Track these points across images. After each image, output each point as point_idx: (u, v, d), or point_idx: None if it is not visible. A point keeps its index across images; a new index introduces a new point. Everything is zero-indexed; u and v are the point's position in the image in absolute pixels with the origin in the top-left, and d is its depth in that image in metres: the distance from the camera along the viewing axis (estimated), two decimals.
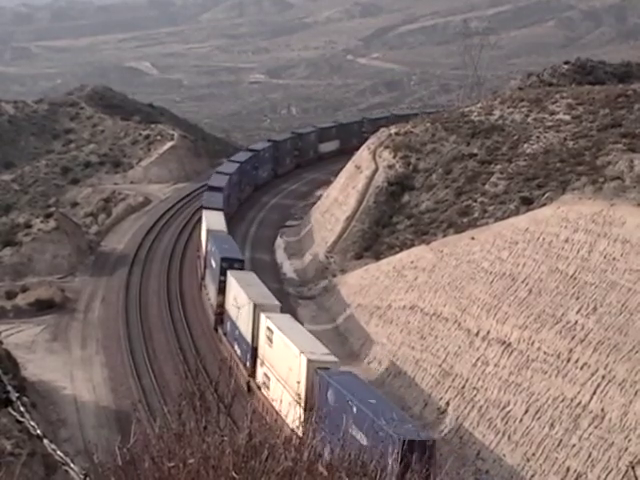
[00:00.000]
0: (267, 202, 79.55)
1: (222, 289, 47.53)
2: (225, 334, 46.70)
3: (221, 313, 47.96)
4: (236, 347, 43.72)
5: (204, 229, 57.21)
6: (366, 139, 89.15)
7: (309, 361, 34.07)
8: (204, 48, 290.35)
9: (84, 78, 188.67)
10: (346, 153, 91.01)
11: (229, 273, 46.75)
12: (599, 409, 30.62)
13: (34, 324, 53.01)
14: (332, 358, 35.22)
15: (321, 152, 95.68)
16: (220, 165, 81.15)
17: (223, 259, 48.07)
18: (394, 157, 62.90)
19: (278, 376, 36.92)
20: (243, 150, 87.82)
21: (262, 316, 39.98)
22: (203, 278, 55.23)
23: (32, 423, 36.19)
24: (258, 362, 40.31)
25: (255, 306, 41.10)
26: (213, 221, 57.01)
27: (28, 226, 65.61)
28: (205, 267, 54.76)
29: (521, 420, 33.39)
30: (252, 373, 40.77)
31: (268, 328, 38.89)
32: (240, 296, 43.42)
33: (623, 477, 28.15)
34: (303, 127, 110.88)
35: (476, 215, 52.26)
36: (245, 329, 42.00)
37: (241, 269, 48.22)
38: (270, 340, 38.52)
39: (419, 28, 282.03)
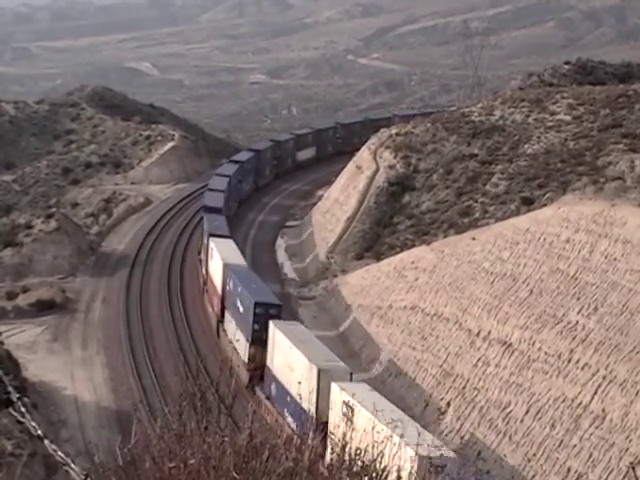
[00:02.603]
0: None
1: (257, 340, 40.57)
2: (268, 398, 39.06)
3: (257, 369, 40.53)
4: (289, 418, 35.83)
5: (218, 262, 48.82)
6: (340, 145, 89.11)
7: (420, 457, 24.64)
8: (204, 48, 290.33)
9: (84, 78, 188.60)
10: (322, 160, 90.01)
11: (272, 325, 39.38)
12: (600, 409, 30.60)
13: (35, 325, 53.02)
14: (449, 453, 27.36)
15: (299, 160, 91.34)
16: (219, 168, 77.32)
17: (257, 304, 41.05)
18: (395, 157, 62.88)
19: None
20: (227, 161, 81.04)
21: (334, 387, 32.59)
22: (221, 321, 47.67)
23: (33, 424, 36.19)
24: (329, 443, 32.17)
25: (320, 371, 34.18)
26: (227, 252, 49.40)
27: (29, 227, 65.61)
28: (223, 307, 47.26)
29: (522, 420, 33.36)
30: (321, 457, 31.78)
31: (347, 404, 31.13)
32: (293, 355, 36.52)
33: (624, 477, 28.11)
34: (281, 133, 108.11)
35: (477, 215, 52.27)
36: (304, 397, 34.05)
37: (278, 316, 41.07)
38: (349, 420, 30.34)
39: (419, 28, 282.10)
